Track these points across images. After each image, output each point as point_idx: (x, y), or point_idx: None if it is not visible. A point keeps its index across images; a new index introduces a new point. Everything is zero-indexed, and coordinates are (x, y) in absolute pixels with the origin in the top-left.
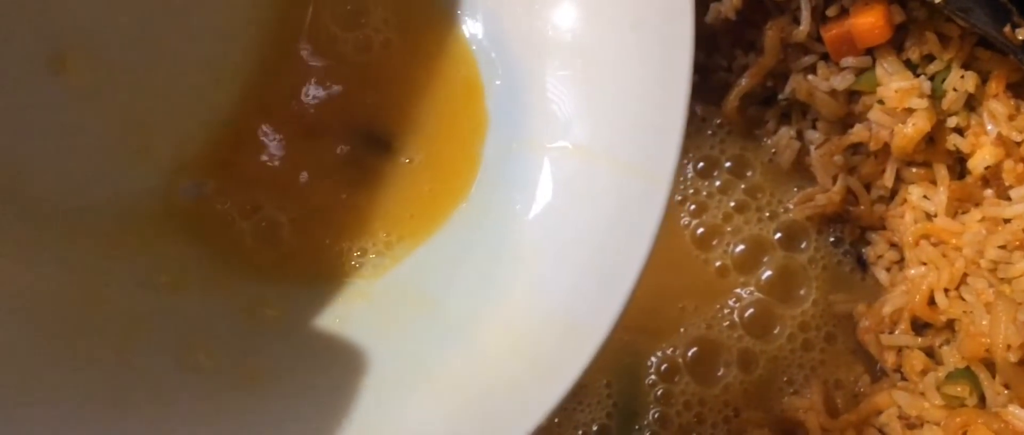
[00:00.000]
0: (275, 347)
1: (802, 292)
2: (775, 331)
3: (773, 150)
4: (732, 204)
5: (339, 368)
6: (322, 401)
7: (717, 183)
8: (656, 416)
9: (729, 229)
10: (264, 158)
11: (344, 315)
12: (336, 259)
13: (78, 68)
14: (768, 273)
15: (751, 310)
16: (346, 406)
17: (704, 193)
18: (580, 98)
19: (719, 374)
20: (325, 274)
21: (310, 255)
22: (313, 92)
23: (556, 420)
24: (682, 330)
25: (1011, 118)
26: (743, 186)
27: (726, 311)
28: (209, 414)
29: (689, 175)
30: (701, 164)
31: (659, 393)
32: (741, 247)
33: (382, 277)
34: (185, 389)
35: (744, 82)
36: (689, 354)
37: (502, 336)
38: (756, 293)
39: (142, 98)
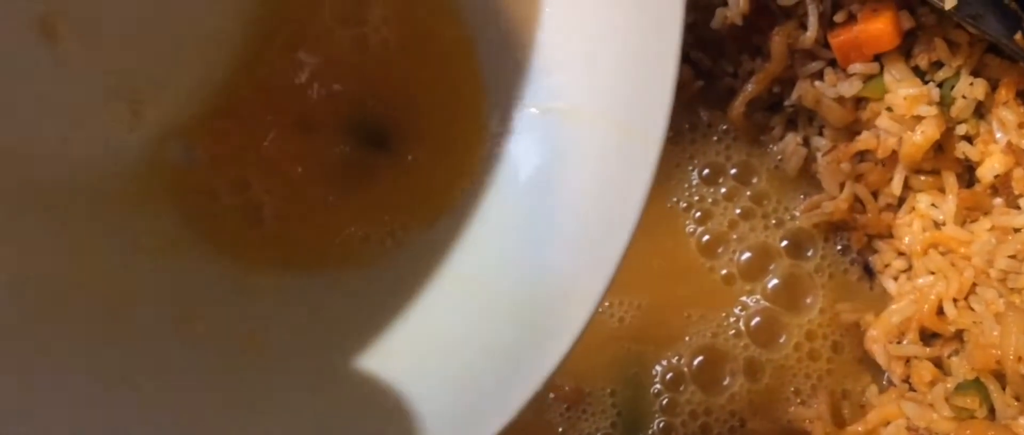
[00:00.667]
0: (273, 318)
1: (809, 301)
2: (781, 340)
3: (779, 157)
4: (738, 211)
5: (337, 339)
6: (321, 370)
7: (723, 190)
8: (661, 426)
9: (735, 237)
10: (257, 141)
11: (341, 291)
12: (331, 247)
13: (68, 34)
14: (774, 281)
15: (757, 319)
16: (345, 375)
17: (709, 200)
18: (570, 58)
19: (725, 383)
20: (320, 260)
21: (300, 242)
22: (309, 89)
23: (560, 429)
24: (687, 339)
25: (1021, 126)
26: (749, 193)
27: (732, 319)
28: (211, 386)
29: (694, 182)
30: (706, 171)
31: (664, 402)
32: (747, 255)
33: (381, 260)
34: (186, 360)
35: (750, 88)
36: (694, 363)
37: (500, 303)
38: (762, 301)
39: (132, 63)
